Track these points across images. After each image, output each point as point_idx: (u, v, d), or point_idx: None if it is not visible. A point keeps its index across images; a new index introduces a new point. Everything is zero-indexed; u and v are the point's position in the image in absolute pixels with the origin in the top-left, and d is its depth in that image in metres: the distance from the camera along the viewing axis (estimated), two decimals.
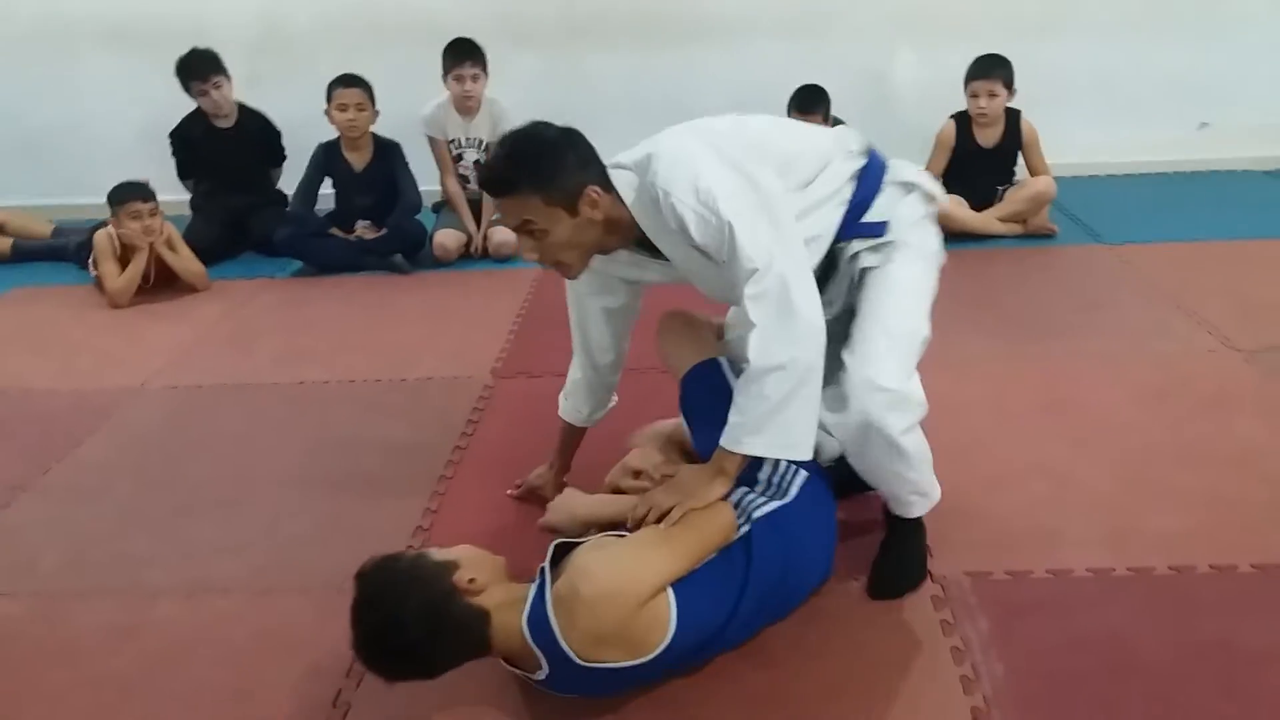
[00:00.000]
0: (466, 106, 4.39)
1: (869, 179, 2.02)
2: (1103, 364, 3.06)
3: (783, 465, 1.97)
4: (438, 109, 4.43)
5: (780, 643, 1.95)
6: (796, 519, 1.92)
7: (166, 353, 3.59)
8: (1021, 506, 2.36)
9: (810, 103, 4.25)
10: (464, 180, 4.54)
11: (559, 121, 1.91)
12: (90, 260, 4.17)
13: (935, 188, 2.09)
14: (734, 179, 1.82)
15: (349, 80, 4.27)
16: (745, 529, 1.88)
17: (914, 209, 2.04)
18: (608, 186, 1.89)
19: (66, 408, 3.19)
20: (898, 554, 2.12)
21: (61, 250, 4.62)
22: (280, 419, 3.08)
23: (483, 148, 4.47)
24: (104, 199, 4.09)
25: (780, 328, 1.78)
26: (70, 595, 2.27)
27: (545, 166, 1.83)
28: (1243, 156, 5.14)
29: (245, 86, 4.70)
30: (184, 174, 4.73)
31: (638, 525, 1.86)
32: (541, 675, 1.71)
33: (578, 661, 1.66)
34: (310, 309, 3.98)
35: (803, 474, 1.97)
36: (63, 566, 2.38)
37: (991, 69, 4.19)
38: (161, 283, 4.16)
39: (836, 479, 2.16)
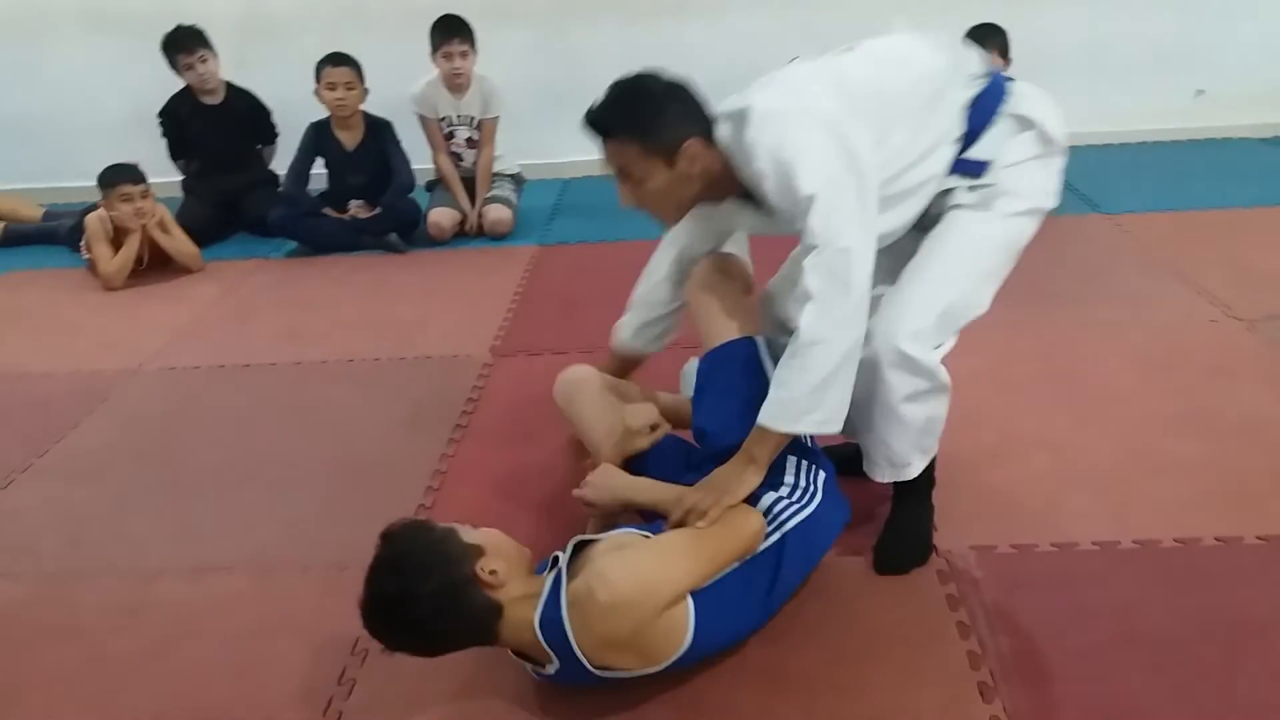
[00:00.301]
0: (456, 84, 4.35)
1: (982, 108, 1.91)
2: (1104, 334, 3.05)
3: (804, 465, 1.96)
4: (427, 87, 4.39)
5: (785, 618, 1.94)
6: (823, 523, 1.92)
7: (162, 334, 3.57)
8: (1025, 478, 2.35)
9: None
10: (457, 158, 4.50)
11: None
12: (83, 243, 4.14)
13: (1057, 129, 1.93)
14: (821, 146, 1.76)
15: (337, 59, 4.22)
16: (775, 538, 1.84)
17: (1024, 149, 1.92)
18: (711, 142, 1.86)
19: (63, 390, 3.17)
20: (903, 529, 2.11)
21: (53, 233, 4.58)
22: (279, 399, 3.06)
23: (474, 125, 4.43)
24: (93, 182, 4.05)
25: (836, 304, 1.74)
26: (72, 576, 2.26)
27: (646, 116, 1.84)
28: (1239, 124, 5.12)
29: (232, 70, 4.64)
30: (175, 154, 4.68)
31: (676, 527, 1.81)
32: (551, 670, 1.69)
33: (589, 668, 1.65)
34: (306, 289, 3.96)
35: (823, 473, 1.97)
36: (63, 548, 2.37)
37: (987, 38, 4.14)
38: (155, 265, 4.12)
39: (837, 458, 2.16)
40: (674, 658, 1.68)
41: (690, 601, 1.69)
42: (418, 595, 1.63)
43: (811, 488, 1.93)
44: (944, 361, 1.93)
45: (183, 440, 2.85)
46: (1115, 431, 2.53)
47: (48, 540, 2.40)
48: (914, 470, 2.04)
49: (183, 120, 4.61)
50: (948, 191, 1.92)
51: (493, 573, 1.67)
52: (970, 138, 1.90)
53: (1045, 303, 3.25)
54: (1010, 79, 1.98)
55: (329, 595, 2.12)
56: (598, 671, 1.66)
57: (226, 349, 3.43)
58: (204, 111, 4.59)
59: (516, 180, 4.60)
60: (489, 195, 4.44)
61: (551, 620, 1.65)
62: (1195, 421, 2.55)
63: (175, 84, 4.57)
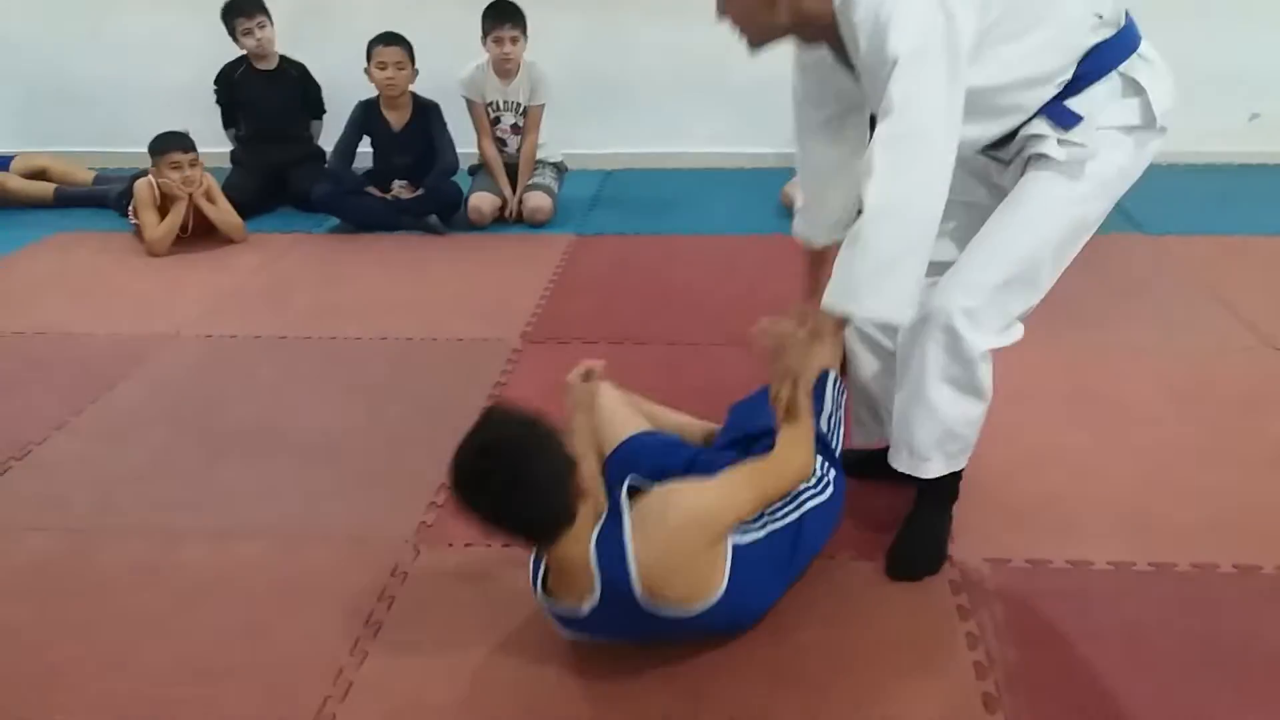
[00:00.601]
0: (505, 69, 4.38)
1: (1099, 59, 1.81)
2: (1134, 355, 3.03)
3: (825, 461, 2.01)
4: (476, 71, 4.42)
5: (794, 619, 1.96)
6: (832, 513, 2.01)
7: (202, 302, 3.63)
8: (1043, 495, 2.35)
9: None
10: (501, 143, 4.53)
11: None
12: (130, 208, 4.22)
13: (1164, 106, 1.86)
14: (923, 12, 1.65)
15: (389, 38, 4.26)
16: (795, 516, 1.90)
17: (1123, 116, 1.85)
18: None
19: (102, 351, 3.24)
20: (919, 535, 2.11)
21: (102, 197, 4.66)
22: (312, 372, 3.11)
23: (520, 111, 4.46)
24: (144, 149, 4.13)
25: (904, 173, 1.67)
26: (100, 533, 2.32)
27: None
28: None
29: (286, 47, 4.72)
30: (227, 122, 4.77)
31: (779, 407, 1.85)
32: (586, 608, 1.72)
33: (636, 592, 1.67)
34: (345, 266, 4.01)
35: (835, 471, 2.03)
36: (93, 505, 2.43)
37: None
38: (199, 233, 4.19)
39: (855, 460, 2.19)
40: (710, 600, 1.73)
41: (729, 548, 1.76)
42: (537, 449, 1.65)
43: (827, 479, 2.00)
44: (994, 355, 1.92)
45: (215, 407, 2.90)
46: (1139, 454, 2.51)
47: (78, 497, 2.46)
48: (932, 469, 2.03)
49: (236, 84, 4.70)
50: (1037, 139, 1.84)
51: (583, 484, 1.70)
52: (1073, 86, 1.82)
53: (1078, 320, 3.22)
54: (1140, 38, 1.88)
55: (347, 567, 2.16)
56: (642, 599, 1.68)
57: (264, 320, 3.48)
58: (257, 77, 4.68)
59: (559, 169, 4.63)
60: (530, 182, 4.47)
61: (610, 537, 1.69)
62: (1221, 449, 2.52)
63: (232, 53, 4.66)
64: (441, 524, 2.29)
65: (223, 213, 4.22)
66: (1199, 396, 2.79)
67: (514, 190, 4.47)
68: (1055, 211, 1.87)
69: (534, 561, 1.81)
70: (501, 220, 4.44)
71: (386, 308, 3.55)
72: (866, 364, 2.21)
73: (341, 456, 2.60)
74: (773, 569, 1.89)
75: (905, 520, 2.14)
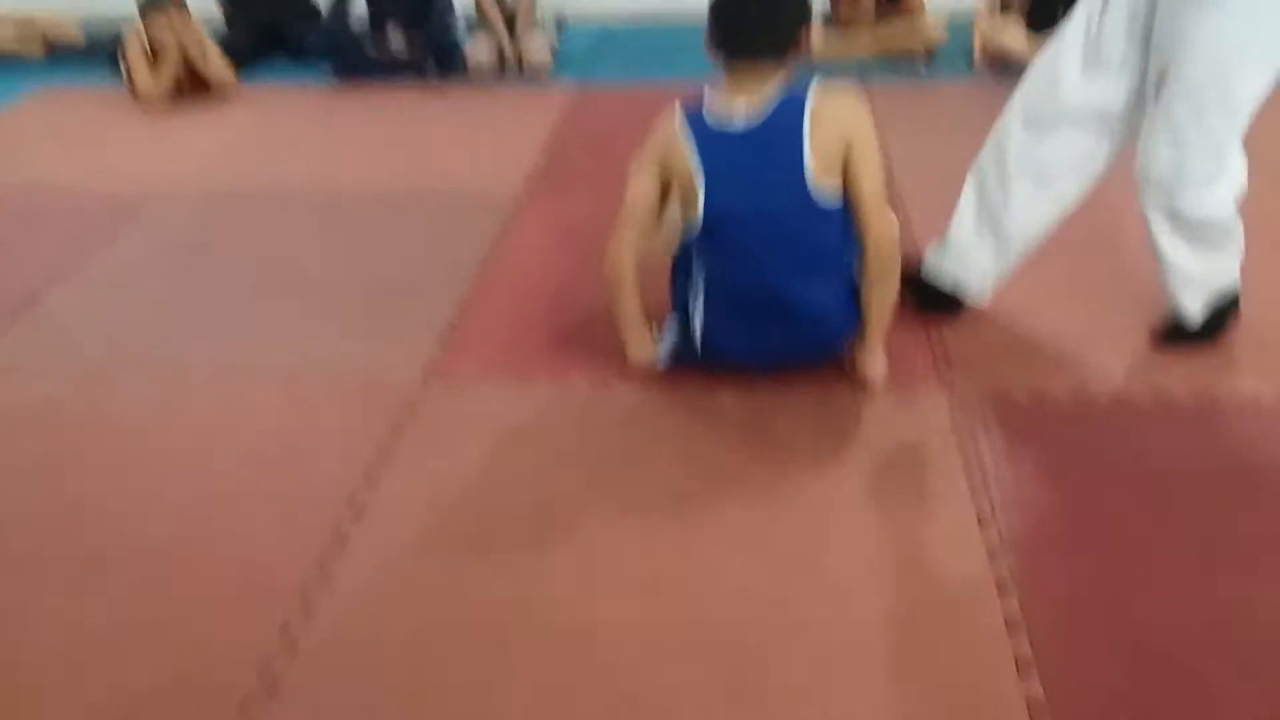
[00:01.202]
0: None
1: None
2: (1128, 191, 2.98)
3: None
4: None
5: (791, 443, 2.01)
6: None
7: (198, 157, 3.59)
8: (1049, 328, 2.36)
9: None
10: None
11: None
12: (121, 62, 4.13)
13: None
14: None
15: None
16: None
17: None
18: None
19: (100, 206, 3.22)
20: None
21: (92, 50, 4.57)
22: (310, 225, 3.09)
23: None
24: (134, 5, 4.03)
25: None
26: (109, 375, 2.35)
27: None
28: None
29: None
30: None
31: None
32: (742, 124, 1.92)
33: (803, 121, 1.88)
34: (341, 119, 3.95)
35: None
36: (101, 350, 2.45)
37: None
38: (193, 90, 4.12)
39: (920, 290, 2.32)
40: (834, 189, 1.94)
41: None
42: None
43: None
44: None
45: (217, 258, 2.90)
46: (1152, 289, 2.47)
47: (87, 342, 2.48)
48: (1190, 307, 2.20)
49: None
50: None
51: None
52: None
53: None
54: None
55: (357, 402, 2.19)
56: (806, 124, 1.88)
57: (260, 175, 3.45)
58: None
59: (558, 22, 4.52)
60: (529, 34, 4.36)
61: (792, 97, 1.91)
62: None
63: None
64: (449, 361, 2.32)
65: (214, 67, 4.14)
66: None
67: (512, 39, 4.37)
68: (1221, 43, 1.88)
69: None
70: (500, 71, 4.36)
71: (384, 160, 3.52)
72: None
73: (345, 303, 2.62)
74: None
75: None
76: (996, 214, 2.24)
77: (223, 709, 1.51)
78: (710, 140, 1.94)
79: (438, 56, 4.27)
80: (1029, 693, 1.49)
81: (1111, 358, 2.26)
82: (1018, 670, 1.53)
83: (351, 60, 4.29)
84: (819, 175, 1.90)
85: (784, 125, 1.90)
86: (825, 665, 1.55)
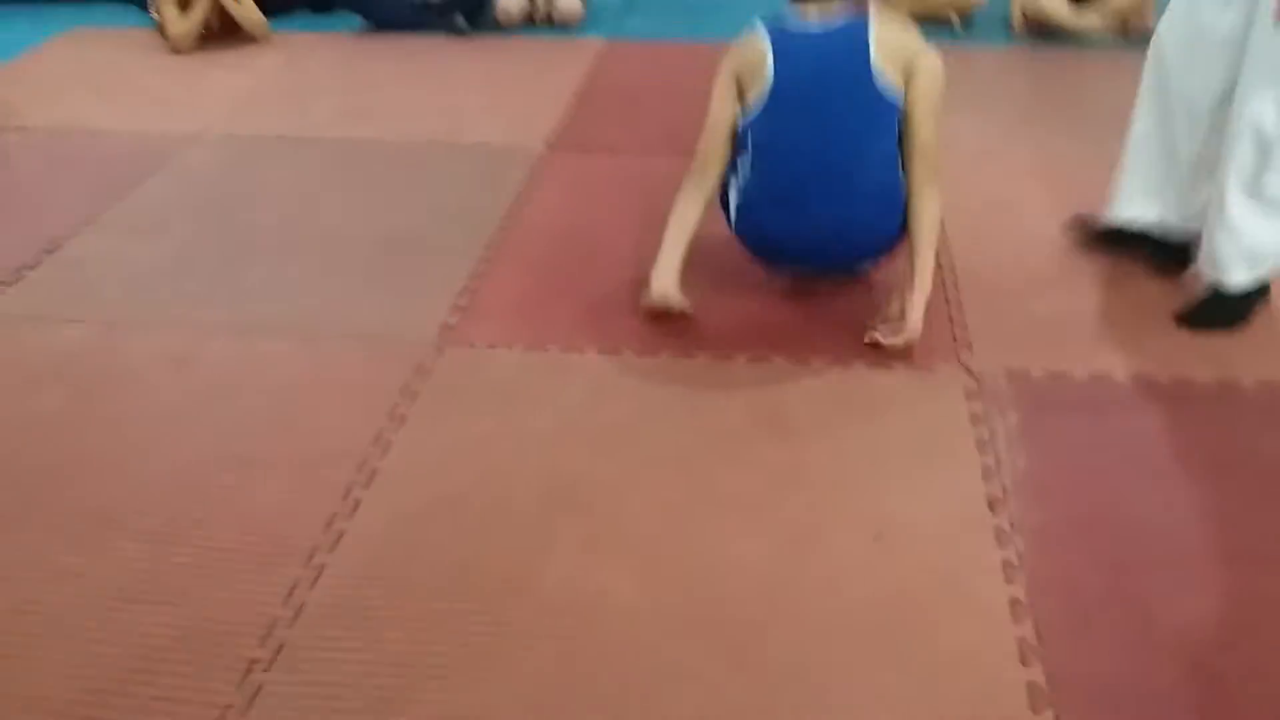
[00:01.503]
0: None
1: None
2: None
3: None
4: None
5: (803, 417, 2.00)
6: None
7: (226, 102, 3.58)
8: (1072, 308, 2.33)
9: None
10: None
11: None
12: (151, 4, 4.12)
13: None
14: None
15: None
16: None
17: None
18: None
19: (126, 150, 3.23)
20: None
21: None
22: (334, 175, 3.09)
23: None
24: None
25: None
26: (129, 325, 2.37)
27: None
28: None
29: None
30: None
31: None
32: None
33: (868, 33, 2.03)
34: (368, 66, 3.92)
35: None
36: (122, 298, 2.47)
37: None
38: (224, 33, 4.10)
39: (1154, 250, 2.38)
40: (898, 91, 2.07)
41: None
42: None
43: None
44: None
45: (240, 206, 2.90)
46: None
47: (109, 290, 2.50)
48: (1234, 278, 2.16)
49: None
50: None
51: None
52: None
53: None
54: None
55: (371, 363, 2.20)
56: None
57: (287, 121, 3.44)
58: None
59: None
60: None
61: (859, 16, 2.06)
62: None
63: None
64: (465, 325, 2.31)
65: (246, 10, 4.11)
66: None
67: None
68: None
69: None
70: (530, 22, 4.30)
71: (410, 110, 3.49)
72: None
73: (364, 257, 2.61)
74: None
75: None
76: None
77: (227, 669, 1.53)
78: (786, 36, 2.10)
79: (467, 6, 4.21)
80: (1030, 678, 1.49)
81: (1132, 339, 2.23)
82: (1020, 655, 1.52)
83: (381, 9, 4.24)
84: (883, 63, 2.04)
85: (852, 30, 2.06)
86: (827, 642, 1.55)
